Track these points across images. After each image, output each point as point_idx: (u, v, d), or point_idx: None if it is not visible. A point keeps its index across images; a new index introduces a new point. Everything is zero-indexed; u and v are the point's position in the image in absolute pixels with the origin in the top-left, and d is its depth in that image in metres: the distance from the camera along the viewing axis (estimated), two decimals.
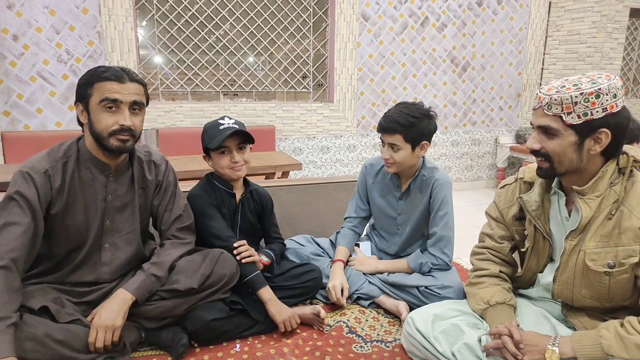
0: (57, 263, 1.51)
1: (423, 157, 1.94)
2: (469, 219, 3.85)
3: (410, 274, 1.91)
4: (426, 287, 1.81)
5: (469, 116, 4.82)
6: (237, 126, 1.76)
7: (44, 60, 3.40)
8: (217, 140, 1.73)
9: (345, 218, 2.15)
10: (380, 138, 1.88)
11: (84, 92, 1.43)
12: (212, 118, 3.87)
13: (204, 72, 3.96)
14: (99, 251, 1.54)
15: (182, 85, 3.93)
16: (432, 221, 1.90)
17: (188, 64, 3.89)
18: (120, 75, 1.43)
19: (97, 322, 1.40)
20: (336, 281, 1.89)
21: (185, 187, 1.88)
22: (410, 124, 1.79)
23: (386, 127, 1.82)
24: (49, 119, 3.48)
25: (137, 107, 1.47)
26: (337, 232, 2.13)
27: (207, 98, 4.05)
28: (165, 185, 1.66)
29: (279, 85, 4.23)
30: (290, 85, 4.26)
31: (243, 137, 1.78)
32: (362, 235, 2.22)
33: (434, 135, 1.89)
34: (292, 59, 4.20)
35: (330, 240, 2.15)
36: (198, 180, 2.42)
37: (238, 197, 1.86)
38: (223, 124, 1.76)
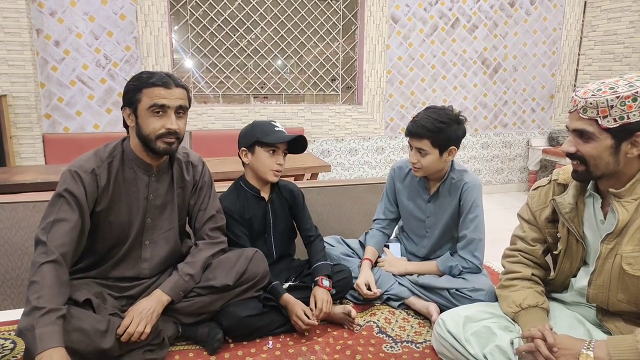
0: (100, 258, 1.58)
1: (452, 160, 1.94)
2: (499, 222, 3.81)
3: (440, 276, 1.92)
4: (457, 290, 1.81)
5: (500, 118, 4.76)
6: (284, 130, 1.82)
7: (84, 64, 3.55)
8: (276, 137, 1.78)
9: (374, 220, 2.17)
10: (408, 142, 1.90)
11: (132, 97, 1.49)
12: (243, 120, 3.97)
13: (235, 75, 4.05)
14: (139, 248, 1.61)
15: (213, 88, 4.03)
16: (462, 224, 1.90)
17: (220, 68, 3.98)
18: (166, 81, 1.49)
19: (133, 312, 1.46)
20: (360, 279, 1.91)
21: (217, 188, 1.93)
22: (438, 130, 1.79)
23: (414, 132, 1.83)
24: (88, 121, 3.63)
25: (181, 111, 1.53)
26: (366, 233, 2.15)
27: (238, 101, 4.14)
28: (201, 185, 1.72)
29: (308, 88, 4.28)
30: (319, 87, 4.30)
31: (296, 145, 1.84)
32: (392, 237, 2.23)
33: (464, 138, 1.89)
34: (321, 62, 4.25)
35: (360, 241, 2.17)
36: (228, 182, 2.48)
37: (266, 198, 1.90)
38: (276, 126, 1.82)
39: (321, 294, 1.76)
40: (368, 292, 1.87)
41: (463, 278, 1.86)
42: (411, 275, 1.98)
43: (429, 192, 1.99)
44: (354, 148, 4.36)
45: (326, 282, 1.80)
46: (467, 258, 1.87)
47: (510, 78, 4.68)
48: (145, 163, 1.57)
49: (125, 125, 1.56)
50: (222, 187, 2.07)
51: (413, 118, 1.86)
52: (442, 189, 1.95)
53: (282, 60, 4.16)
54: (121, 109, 1.53)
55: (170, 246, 1.66)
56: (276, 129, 1.81)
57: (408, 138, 1.88)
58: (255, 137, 1.80)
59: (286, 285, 1.83)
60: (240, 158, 1.87)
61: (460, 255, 1.89)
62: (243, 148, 1.84)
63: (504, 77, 4.66)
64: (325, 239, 2.14)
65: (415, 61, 4.35)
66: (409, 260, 2.09)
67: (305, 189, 2.26)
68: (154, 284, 1.62)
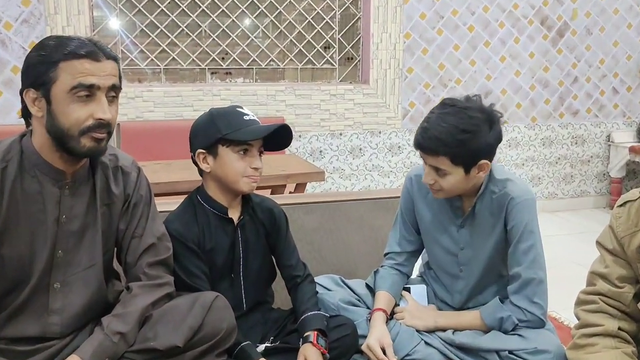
0: None
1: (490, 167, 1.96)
2: (569, 254, 3.83)
3: (485, 332, 1.93)
4: (510, 352, 1.81)
5: (568, 102, 4.82)
6: (257, 120, 1.83)
7: None
8: (249, 131, 1.78)
9: (386, 254, 2.17)
10: (420, 155, 1.90)
11: (41, 74, 1.47)
12: (195, 107, 3.97)
13: (184, 41, 4.06)
14: (46, 293, 1.59)
15: (152, 60, 4.04)
16: (512, 258, 1.91)
17: (162, 30, 4.00)
18: (93, 50, 1.48)
19: None
20: (372, 338, 1.90)
21: (159, 205, 1.93)
22: (459, 143, 1.79)
23: (424, 145, 1.83)
24: None
25: (114, 92, 1.53)
26: (375, 272, 2.16)
27: (188, 78, 4.15)
28: (135, 200, 1.71)
29: (290, 60, 4.31)
30: (306, 59, 4.33)
31: (275, 140, 1.86)
32: (413, 277, 2.24)
33: (500, 143, 1.89)
34: (309, 22, 4.28)
35: (367, 284, 2.18)
36: (175, 197, 2.47)
37: (236, 221, 1.90)
38: (245, 113, 1.83)
39: (315, 355, 1.76)
40: (384, 358, 1.87)
41: (519, 335, 1.86)
42: (444, 331, 1.99)
43: (463, 212, 2.00)
44: (357, 146, 4.38)
45: (321, 341, 1.80)
46: (524, 307, 1.87)
47: (582, 45, 4.74)
48: (55, 169, 1.56)
49: (26, 115, 1.55)
50: (166, 203, 2.05)
51: (422, 123, 1.86)
52: (479, 208, 1.96)
53: (253, 19, 4.18)
54: (21, 92, 1.51)
55: (91, 291, 1.64)
56: (245, 117, 1.82)
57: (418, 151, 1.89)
58: (217, 134, 1.79)
59: (262, 347, 1.83)
60: (196, 164, 1.87)
61: (514, 303, 1.89)
62: (200, 150, 1.83)
63: (574, 44, 4.72)
64: (317, 279, 2.14)
65: (446, 20, 4.40)
66: (439, 309, 2.09)
67: (288, 207, 2.27)
68: (67, 346, 1.60)
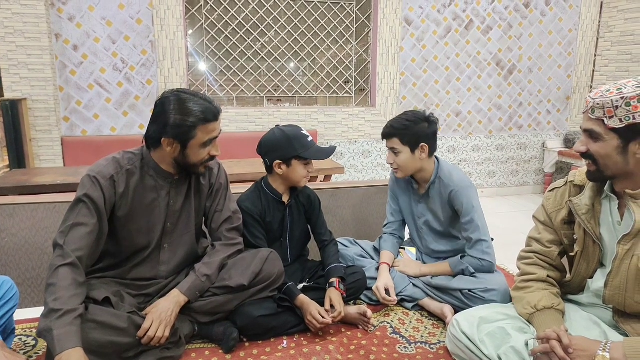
0: (120, 260, 1.62)
1: (438, 161, 1.97)
2: (514, 225, 3.79)
3: (454, 277, 1.92)
4: (469, 290, 1.81)
5: (515, 120, 4.73)
6: (313, 139, 1.86)
7: (101, 68, 3.62)
8: (316, 152, 1.81)
9: (385, 225, 2.19)
10: (386, 145, 1.97)
11: (185, 133, 1.48)
12: (257, 123, 4.01)
13: (249, 78, 4.09)
14: (158, 251, 1.64)
15: (227, 91, 4.07)
16: (462, 227, 1.93)
17: (234, 71, 4.03)
18: (217, 113, 1.53)
19: (153, 315, 1.49)
20: (380, 282, 1.92)
21: (234, 190, 1.96)
22: (404, 127, 1.89)
23: (385, 132, 1.95)
24: (105, 124, 3.70)
25: None
26: (380, 238, 2.18)
27: (252, 103, 4.18)
28: (217, 187, 1.74)
29: (322, 91, 4.31)
30: (332, 90, 4.33)
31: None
32: (407, 239, 2.25)
33: (435, 137, 1.93)
34: (334, 64, 4.27)
35: (374, 246, 2.19)
36: (242, 184, 2.50)
37: (286, 202, 1.92)
38: (307, 136, 1.83)
39: (337, 295, 1.78)
40: (386, 296, 1.88)
41: (476, 277, 1.86)
42: (425, 276, 1.99)
43: (419, 193, 2.03)
44: (367, 150, 4.37)
45: (341, 286, 1.82)
46: (477, 256, 1.88)
47: (526, 80, 4.65)
48: (167, 172, 1.60)
49: (149, 141, 1.54)
50: (236, 189, 2.09)
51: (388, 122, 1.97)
52: (432, 191, 1.98)
53: (296, 62, 4.19)
54: (158, 135, 1.49)
55: (187, 249, 1.70)
56: (309, 139, 1.83)
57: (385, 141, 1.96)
58: (294, 152, 1.79)
59: (300, 286, 1.85)
60: (269, 167, 1.86)
61: (471, 255, 1.89)
62: (278, 161, 1.82)
63: (519, 79, 4.64)
64: (338, 239, 2.16)
65: (429, 63, 4.35)
66: (423, 262, 2.10)
67: (319, 191, 2.28)
68: (171, 283, 1.66)
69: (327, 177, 3.26)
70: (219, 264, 1.66)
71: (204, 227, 1.83)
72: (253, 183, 1.98)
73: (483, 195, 4.69)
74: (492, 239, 1.94)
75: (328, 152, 1.84)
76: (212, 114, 1.51)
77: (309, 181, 1.92)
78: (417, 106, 4.38)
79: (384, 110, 4.32)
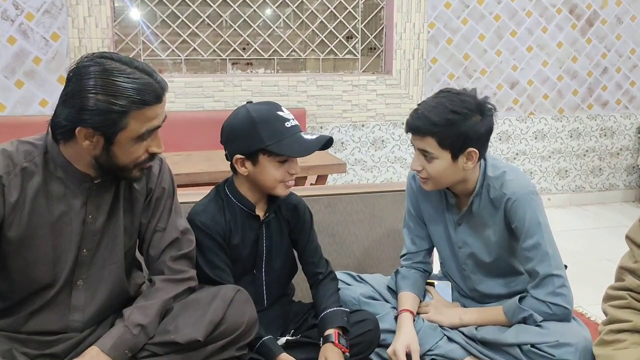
0: (11, 304, 1.58)
1: (485, 161, 1.96)
2: (597, 248, 3.80)
3: (509, 327, 1.92)
4: (533, 346, 1.81)
5: (597, 93, 4.76)
6: (298, 124, 1.82)
7: None
8: (294, 146, 1.77)
9: (402, 256, 2.18)
10: (411, 141, 1.92)
11: (112, 122, 1.45)
12: (216, 98, 3.99)
13: (205, 31, 4.08)
14: (69, 290, 1.61)
15: (172, 51, 4.06)
16: (522, 255, 1.92)
17: (182, 20, 4.01)
18: (161, 92, 1.50)
19: None
20: (399, 342, 1.90)
21: (181, 197, 1.94)
22: (447, 123, 1.81)
23: (413, 125, 1.86)
24: None
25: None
26: (396, 273, 2.16)
27: (209, 69, 4.16)
28: (157, 195, 1.72)
29: (312, 50, 4.30)
30: (328, 49, 4.33)
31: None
32: (435, 272, 2.25)
33: (491, 136, 1.90)
34: (331, 11, 4.27)
35: (388, 286, 2.18)
36: (194, 189, 2.48)
37: (262, 218, 1.91)
38: (287, 119, 1.80)
39: (336, 355, 1.77)
40: None
41: (541, 327, 1.85)
42: (467, 327, 1.99)
43: (459, 210, 2.01)
44: (380, 138, 4.37)
45: (342, 341, 1.81)
46: (547, 300, 1.86)
47: (612, 34, 4.68)
48: (83, 174, 1.57)
49: (58, 130, 1.50)
50: (186, 196, 2.07)
51: (417, 107, 1.90)
52: (476, 206, 1.96)
53: (274, 8, 4.18)
54: (72, 122, 1.45)
55: (112, 286, 1.67)
56: (287, 124, 1.79)
57: (410, 135, 1.91)
58: (260, 144, 1.77)
59: (282, 340, 1.85)
60: (234, 166, 1.85)
61: (536, 297, 1.88)
62: (239, 156, 1.81)
63: (603, 33, 4.66)
64: (336, 273, 2.15)
65: (471, 9, 4.36)
66: (463, 305, 2.10)
67: (309, 199, 2.27)
68: (88, 337, 1.63)
69: (321, 179, 3.25)
70: (159, 309, 1.64)
71: (137, 254, 1.82)
72: (212, 187, 1.96)
73: (550, 204, 4.71)
74: (566, 267, 1.94)
75: (313, 144, 1.80)
76: (153, 94, 1.48)
77: (294, 184, 1.90)
78: (454, 73, 4.39)
79: (404, 78, 4.32)
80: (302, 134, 1.82)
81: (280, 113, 1.82)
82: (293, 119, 1.83)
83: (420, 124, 1.84)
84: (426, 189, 1.97)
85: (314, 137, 1.83)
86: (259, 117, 1.78)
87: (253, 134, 1.77)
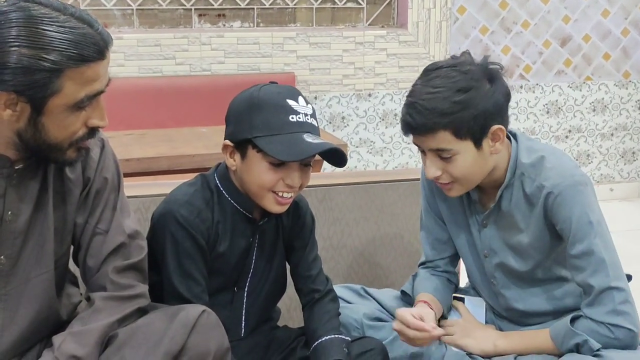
0: None
1: (516, 142, 1.95)
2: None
3: (559, 357, 1.93)
4: None
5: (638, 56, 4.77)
6: (314, 122, 1.80)
7: None
8: (285, 145, 1.74)
9: (421, 264, 2.20)
10: (414, 143, 1.93)
11: (40, 84, 1.45)
12: (178, 60, 3.98)
13: None
14: None
15: None
16: (571, 263, 1.92)
17: None
18: (103, 45, 1.51)
19: None
20: (408, 310, 1.91)
21: (131, 190, 1.93)
22: (459, 106, 1.81)
23: (416, 123, 1.85)
24: None
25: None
26: (414, 276, 2.19)
27: (169, 22, 4.16)
28: (97, 186, 1.72)
29: None
30: None
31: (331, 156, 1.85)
32: (464, 286, 2.27)
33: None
34: None
35: (403, 290, 2.21)
36: (156, 177, 2.47)
37: (258, 220, 1.92)
38: (295, 112, 1.78)
39: None
40: (417, 322, 1.85)
41: (600, 357, 1.85)
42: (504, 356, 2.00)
43: (483, 208, 2.02)
44: (392, 111, 4.38)
45: None
46: (607, 321, 1.87)
47: None
48: (1, 157, 1.56)
49: None
50: (135, 188, 2.07)
51: (408, 98, 1.90)
52: (506, 202, 1.97)
53: None
54: None
55: (38, 306, 1.67)
56: (292, 118, 1.77)
57: (412, 138, 1.91)
58: (247, 132, 1.77)
59: None
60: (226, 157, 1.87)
61: (592, 319, 1.89)
62: (228, 142, 1.84)
63: None
64: (335, 288, 2.15)
65: None
66: (498, 327, 2.11)
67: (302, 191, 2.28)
68: None
69: (316, 165, 3.25)
70: (100, 336, 1.64)
71: (72, 265, 1.81)
72: (197, 175, 1.96)
73: (613, 196, 4.76)
74: (630, 277, 1.94)
75: (311, 148, 1.76)
76: (93, 47, 1.48)
77: (291, 200, 1.89)
78: (487, 26, 4.39)
79: (422, 34, 4.33)
80: (307, 135, 1.78)
81: (289, 101, 1.79)
82: (306, 115, 1.80)
83: (425, 120, 1.83)
84: (452, 195, 1.97)
85: (317, 141, 1.79)
86: (259, 99, 1.79)
87: (245, 118, 1.79)
